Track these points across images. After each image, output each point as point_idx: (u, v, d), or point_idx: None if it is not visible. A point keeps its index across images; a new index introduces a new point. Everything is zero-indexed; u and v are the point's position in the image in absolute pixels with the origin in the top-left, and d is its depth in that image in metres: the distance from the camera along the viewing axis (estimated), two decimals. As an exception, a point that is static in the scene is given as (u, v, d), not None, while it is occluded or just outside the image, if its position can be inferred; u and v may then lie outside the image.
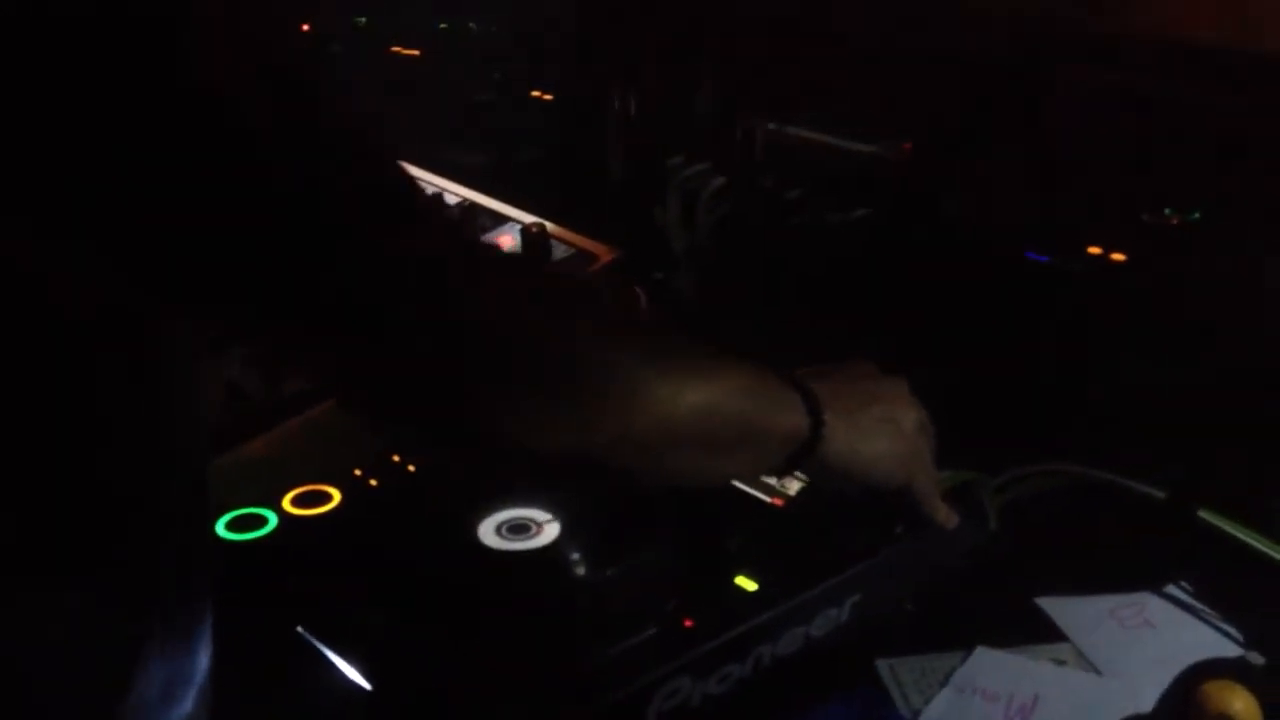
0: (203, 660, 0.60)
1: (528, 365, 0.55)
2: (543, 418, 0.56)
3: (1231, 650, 0.77)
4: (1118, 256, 1.03)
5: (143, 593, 0.56)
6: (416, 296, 0.51)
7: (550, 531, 0.81)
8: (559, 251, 1.15)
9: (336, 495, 0.88)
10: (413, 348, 0.52)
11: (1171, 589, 0.82)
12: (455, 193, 1.26)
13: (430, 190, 1.26)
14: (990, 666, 0.76)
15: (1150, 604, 0.81)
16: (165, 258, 0.45)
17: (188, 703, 0.58)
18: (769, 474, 0.83)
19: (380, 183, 0.51)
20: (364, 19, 1.72)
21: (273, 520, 0.85)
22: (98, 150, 0.42)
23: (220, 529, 0.83)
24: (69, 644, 0.52)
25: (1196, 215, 1.02)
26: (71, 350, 0.50)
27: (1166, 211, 1.03)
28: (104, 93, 0.42)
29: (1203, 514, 0.82)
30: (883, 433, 0.71)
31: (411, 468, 0.90)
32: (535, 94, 1.56)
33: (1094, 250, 1.04)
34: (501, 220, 1.20)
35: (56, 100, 0.41)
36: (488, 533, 0.81)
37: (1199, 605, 0.81)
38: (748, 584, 0.75)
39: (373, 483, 0.89)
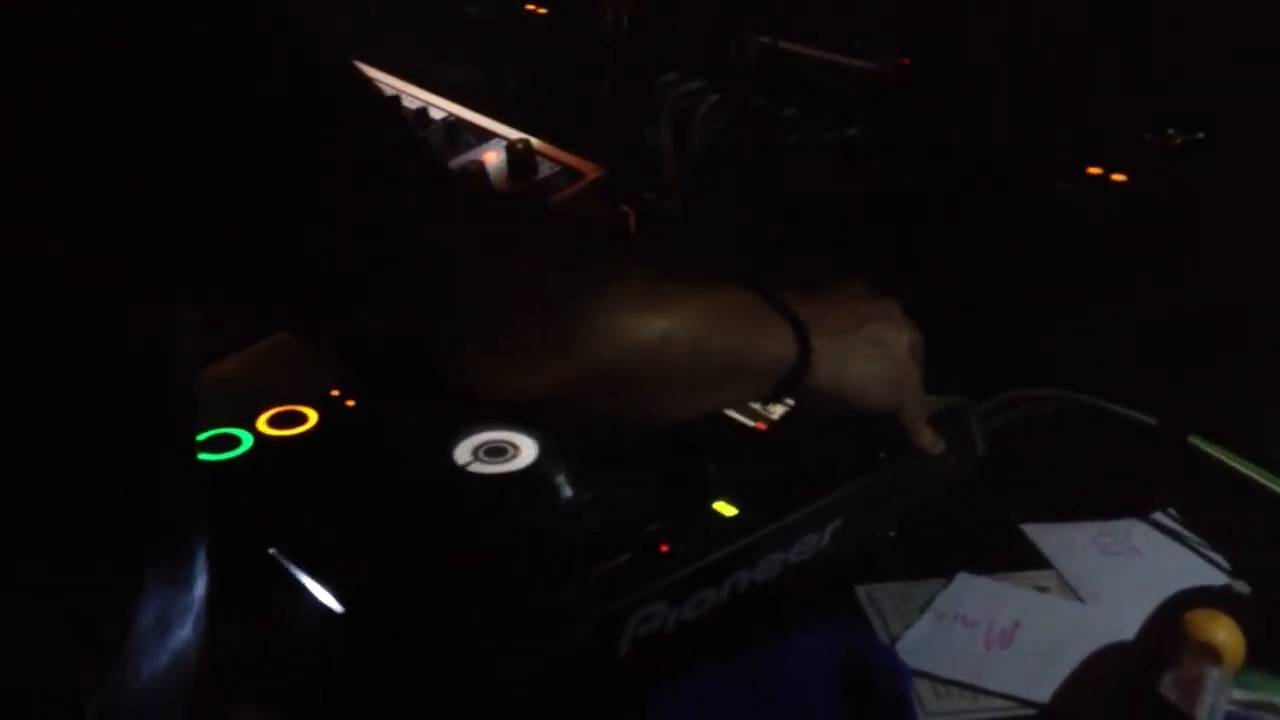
0: (198, 587, 0.59)
1: (506, 311, 0.52)
2: (523, 365, 0.53)
3: (1217, 579, 0.76)
4: (1118, 177, 1.01)
5: (138, 532, 0.55)
6: (391, 250, 0.49)
7: (527, 455, 0.80)
8: (545, 168, 1.12)
9: (313, 416, 0.87)
10: (382, 300, 0.50)
11: (1159, 516, 0.81)
12: (440, 108, 1.23)
13: (415, 105, 1.23)
14: (971, 592, 0.75)
15: (1136, 531, 0.80)
16: (159, 223, 0.45)
17: (185, 629, 0.58)
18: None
19: (356, 134, 0.49)
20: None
21: (247, 440, 0.84)
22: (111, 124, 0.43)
23: (194, 450, 0.82)
24: (65, 585, 0.51)
25: (1200, 135, 0.99)
26: (72, 316, 0.49)
27: (1169, 131, 1.00)
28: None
29: (1192, 440, 0.81)
30: (872, 357, 0.69)
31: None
32: (530, 7, 1.52)
33: (1094, 170, 1.02)
34: (487, 136, 1.18)
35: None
36: (464, 455, 0.80)
37: (1186, 533, 0.80)
38: (726, 509, 0.74)
39: (350, 404, 0.87)
